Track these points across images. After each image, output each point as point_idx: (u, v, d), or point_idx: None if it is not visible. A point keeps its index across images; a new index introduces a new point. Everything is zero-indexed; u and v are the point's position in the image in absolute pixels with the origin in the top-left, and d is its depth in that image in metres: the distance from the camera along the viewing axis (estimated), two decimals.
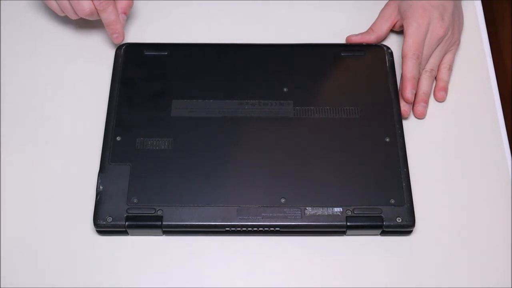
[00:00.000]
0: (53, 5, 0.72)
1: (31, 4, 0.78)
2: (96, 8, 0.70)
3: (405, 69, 0.70)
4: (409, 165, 0.66)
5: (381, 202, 0.63)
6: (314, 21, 0.78)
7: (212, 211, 0.63)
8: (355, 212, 0.63)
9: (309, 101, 0.69)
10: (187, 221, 0.62)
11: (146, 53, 0.72)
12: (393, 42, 0.75)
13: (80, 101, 0.71)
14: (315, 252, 0.63)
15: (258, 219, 0.62)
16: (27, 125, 0.70)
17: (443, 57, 0.73)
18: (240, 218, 0.62)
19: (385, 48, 0.73)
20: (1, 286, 0.62)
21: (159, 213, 0.63)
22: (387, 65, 0.72)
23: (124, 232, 0.63)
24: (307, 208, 0.63)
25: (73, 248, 0.63)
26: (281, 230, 0.63)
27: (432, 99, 0.72)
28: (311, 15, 0.78)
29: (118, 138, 0.67)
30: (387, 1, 0.76)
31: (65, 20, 0.77)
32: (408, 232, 0.64)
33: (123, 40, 0.73)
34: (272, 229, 0.63)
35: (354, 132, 0.67)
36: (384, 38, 0.75)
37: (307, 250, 0.63)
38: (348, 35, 0.75)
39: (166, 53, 0.72)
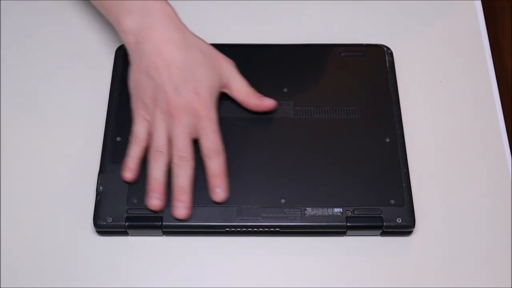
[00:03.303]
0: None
1: (31, 4, 0.78)
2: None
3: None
4: (409, 165, 0.66)
5: (381, 203, 0.63)
6: (314, 21, 0.78)
7: (212, 211, 0.63)
8: (355, 213, 0.63)
9: (309, 101, 0.69)
10: (187, 221, 0.62)
11: None
12: (393, 43, 0.75)
13: (80, 102, 0.71)
14: (315, 252, 0.63)
15: (258, 219, 0.62)
16: (27, 125, 0.70)
17: None
18: (240, 219, 0.62)
19: (385, 48, 0.73)
20: (1, 286, 0.62)
21: (159, 213, 0.63)
22: (387, 65, 0.72)
23: (124, 233, 0.63)
24: (307, 208, 0.63)
25: (73, 248, 0.63)
26: (281, 230, 0.63)
27: (431, 99, 0.72)
28: (311, 15, 0.78)
29: (118, 139, 0.67)
30: None
31: (65, 20, 0.77)
32: (408, 233, 0.64)
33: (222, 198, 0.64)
34: (272, 229, 0.63)
35: (354, 132, 0.67)
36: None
37: (307, 251, 0.63)
38: (348, 35, 0.74)
39: None
